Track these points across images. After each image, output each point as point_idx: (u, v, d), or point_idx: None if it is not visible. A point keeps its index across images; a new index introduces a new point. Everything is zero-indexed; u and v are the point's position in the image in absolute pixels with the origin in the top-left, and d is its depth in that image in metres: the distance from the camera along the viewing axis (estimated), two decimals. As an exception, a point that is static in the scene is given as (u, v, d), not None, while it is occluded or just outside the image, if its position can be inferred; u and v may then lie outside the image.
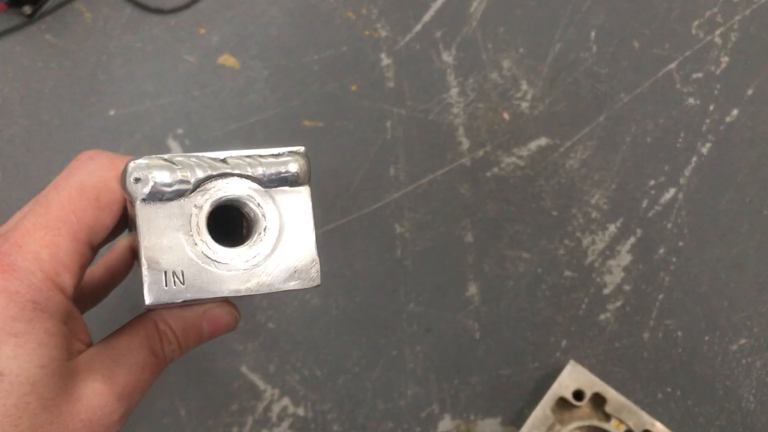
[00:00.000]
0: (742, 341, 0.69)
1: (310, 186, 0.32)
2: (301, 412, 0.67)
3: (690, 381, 0.68)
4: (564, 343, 0.69)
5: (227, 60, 0.76)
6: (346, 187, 0.72)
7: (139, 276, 0.31)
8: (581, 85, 0.77)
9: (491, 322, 0.69)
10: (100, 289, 0.46)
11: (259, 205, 0.32)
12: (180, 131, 0.73)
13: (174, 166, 0.30)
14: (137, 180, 0.30)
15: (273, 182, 0.32)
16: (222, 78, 0.75)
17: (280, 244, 0.32)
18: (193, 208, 0.31)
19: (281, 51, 0.77)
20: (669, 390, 0.68)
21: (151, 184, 0.30)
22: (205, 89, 0.75)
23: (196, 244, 0.31)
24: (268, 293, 0.32)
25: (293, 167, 0.32)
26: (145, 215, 0.30)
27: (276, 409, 0.67)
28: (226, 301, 0.37)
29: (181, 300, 0.31)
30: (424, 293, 0.70)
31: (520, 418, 0.66)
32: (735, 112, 0.76)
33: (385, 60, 0.77)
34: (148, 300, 0.31)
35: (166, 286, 0.31)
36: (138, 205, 0.30)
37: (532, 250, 0.71)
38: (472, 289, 0.70)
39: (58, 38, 0.77)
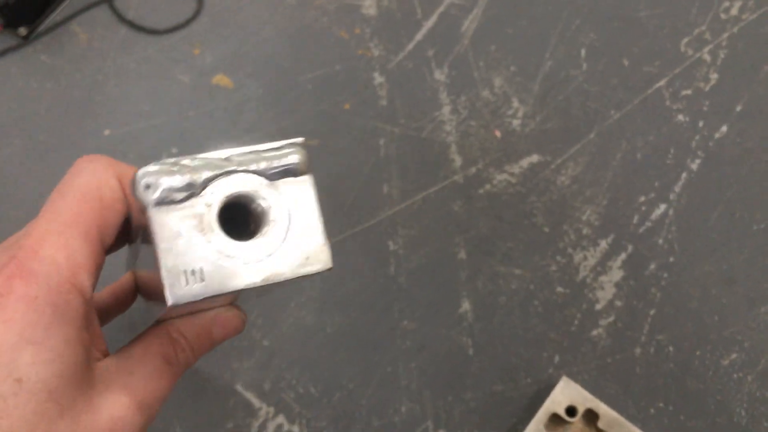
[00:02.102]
0: (734, 356, 0.70)
1: (311, 174, 0.33)
2: (296, 429, 0.67)
3: (682, 396, 0.69)
4: (557, 358, 0.69)
5: (221, 80, 0.77)
6: (339, 205, 0.72)
7: (157, 279, 0.32)
8: (572, 102, 0.78)
9: (484, 338, 0.70)
10: (104, 312, 0.47)
11: (265, 197, 0.33)
12: (174, 150, 0.74)
13: (181, 169, 0.31)
14: (147, 186, 0.31)
15: (276, 174, 0.33)
16: (216, 98, 0.76)
17: (290, 233, 0.33)
18: (204, 207, 0.31)
19: (275, 70, 0.78)
20: (661, 405, 0.68)
21: (161, 189, 0.31)
22: (200, 109, 0.75)
23: (210, 242, 0.31)
24: (284, 281, 0.33)
25: (294, 158, 0.33)
26: (158, 220, 0.31)
27: (271, 427, 0.67)
28: (233, 304, 0.38)
29: (201, 297, 0.32)
30: (418, 310, 0.70)
31: (513, 434, 0.67)
32: (724, 128, 0.77)
33: (378, 78, 0.78)
34: (170, 300, 0.31)
35: (186, 285, 0.31)
36: (151, 211, 0.31)
37: (524, 266, 0.72)
38: (466, 306, 0.71)
39: (53, 59, 0.77)
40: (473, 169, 0.75)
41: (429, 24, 0.80)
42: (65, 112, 0.75)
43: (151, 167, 0.31)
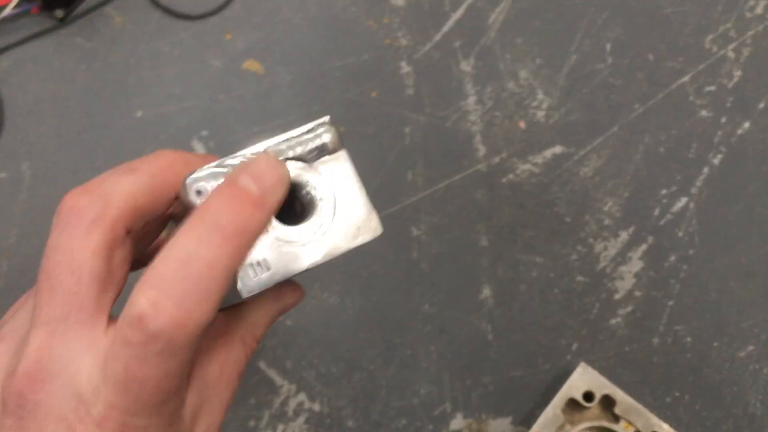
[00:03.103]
0: (750, 348, 0.70)
1: (345, 149, 0.35)
2: (316, 407, 0.68)
3: (698, 386, 0.69)
4: (575, 346, 0.70)
5: (252, 65, 0.78)
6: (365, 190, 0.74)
7: None
8: (596, 95, 0.78)
9: (504, 324, 0.71)
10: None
11: (309, 180, 0.34)
12: (204, 133, 0.75)
13: (226, 170, 0.32)
14: (199, 192, 0.32)
15: (314, 156, 0.34)
16: (246, 82, 0.78)
17: (338, 209, 0.34)
18: None
19: (304, 57, 0.79)
20: (677, 394, 0.69)
21: (210, 192, 0.32)
22: (230, 93, 0.77)
23: (267, 231, 0.33)
24: (342, 254, 0.34)
25: (327, 137, 0.34)
26: None
27: (292, 404, 0.68)
28: (291, 282, 0.39)
29: (270, 284, 0.33)
30: (439, 295, 0.72)
31: (530, 418, 0.68)
32: (747, 124, 0.78)
33: (405, 68, 0.79)
34: (244, 294, 0.33)
35: (255, 276, 0.33)
36: None
37: (545, 255, 0.73)
38: (486, 292, 0.72)
39: (88, 41, 0.79)
40: (497, 159, 0.76)
41: (456, 15, 0.81)
42: (99, 94, 0.77)
43: (199, 173, 0.32)
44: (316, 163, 0.34)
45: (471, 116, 0.77)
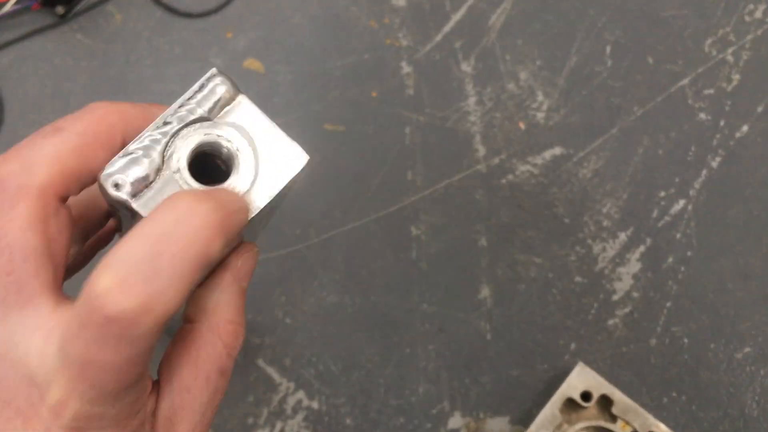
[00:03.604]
0: (747, 349, 0.71)
1: (243, 94, 0.34)
2: (315, 405, 0.68)
3: (695, 387, 0.70)
4: (573, 346, 0.71)
5: (252, 64, 0.79)
6: (364, 190, 0.74)
7: None
8: (596, 97, 0.79)
9: (502, 324, 0.71)
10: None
11: (219, 135, 0.33)
12: (205, 131, 0.75)
13: (136, 155, 0.31)
14: (117, 186, 0.31)
15: (217, 111, 0.33)
16: (247, 81, 0.78)
17: (259, 151, 0.34)
18: (175, 175, 0.32)
19: (305, 56, 0.79)
20: (674, 395, 0.69)
21: (129, 183, 0.31)
22: (231, 91, 0.77)
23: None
24: (282, 192, 0.33)
25: (222, 89, 0.33)
26: (145, 208, 0.31)
27: (291, 401, 0.68)
28: (240, 243, 0.36)
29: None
30: (438, 294, 0.72)
31: (528, 418, 0.68)
32: (745, 128, 0.78)
33: (406, 68, 0.79)
34: None
35: None
36: (134, 204, 0.31)
37: (543, 255, 0.73)
38: (485, 292, 0.72)
39: (89, 38, 0.79)
40: (496, 160, 0.76)
41: (457, 16, 0.81)
42: (99, 90, 0.77)
43: (110, 167, 0.31)
44: (222, 115, 0.34)
45: (471, 117, 0.78)
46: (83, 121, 0.31)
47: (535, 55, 0.80)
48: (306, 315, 0.71)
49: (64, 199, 0.31)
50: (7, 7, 0.77)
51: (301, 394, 0.69)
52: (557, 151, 0.77)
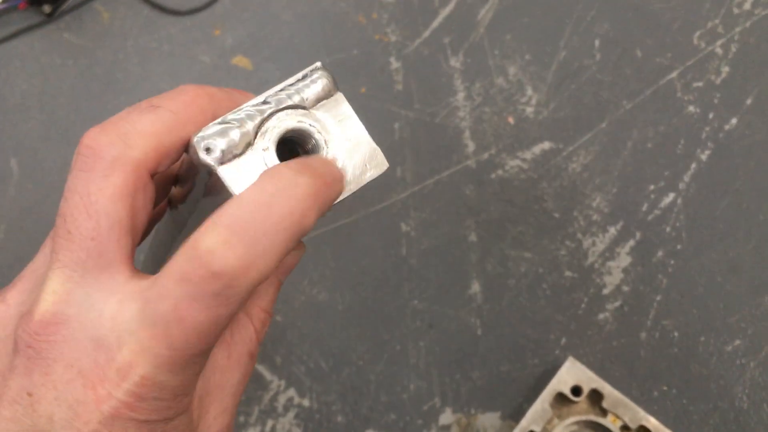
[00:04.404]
0: (737, 342, 0.71)
1: (340, 92, 0.35)
2: (306, 402, 0.69)
3: (685, 380, 0.70)
4: (563, 340, 0.71)
5: (240, 61, 0.78)
6: (353, 186, 0.74)
7: None
8: (585, 91, 0.79)
9: (493, 319, 0.71)
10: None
11: (312, 125, 0.34)
12: (193, 129, 0.75)
13: (231, 125, 0.33)
14: (207, 149, 0.31)
15: (313, 102, 0.34)
16: (235, 78, 0.77)
17: (345, 148, 0.34)
18: (262, 152, 0.33)
19: (293, 53, 0.79)
20: (665, 388, 0.70)
21: (219, 149, 0.32)
22: (219, 88, 0.77)
23: None
24: (355, 191, 0.34)
25: (323, 82, 0.34)
26: (229, 175, 0.32)
27: (282, 399, 0.68)
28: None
29: None
30: (428, 290, 0.72)
31: (519, 413, 0.68)
32: (734, 120, 0.78)
33: (395, 64, 0.79)
34: None
35: None
36: (219, 170, 0.32)
37: (533, 250, 0.73)
38: (475, 287, 0.72)
39: (76, 37, 0.79)
40: (486, 155, 0.76)
41: (446, 12, 0.81)
42: (86, 89, 0.77)
43: (204, 131, 0.32)
44: (317, 107, 0.35)
45: (460, 112, 0.77)
46: (177, 101, 0.32)
47: (524, 49, 0.80)
48: (296, 313, 0.71)
49: (152, 175, 0.32)
50: (-6, 6, 0.77)
51: (292, 392, 0.69)
52: (546, 145, 0.77)
